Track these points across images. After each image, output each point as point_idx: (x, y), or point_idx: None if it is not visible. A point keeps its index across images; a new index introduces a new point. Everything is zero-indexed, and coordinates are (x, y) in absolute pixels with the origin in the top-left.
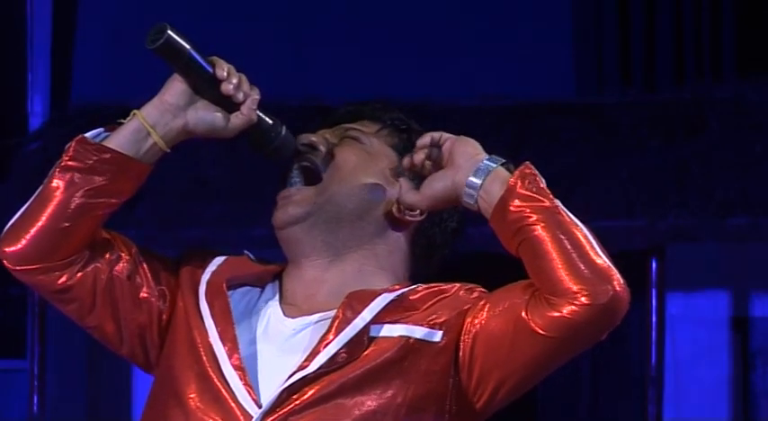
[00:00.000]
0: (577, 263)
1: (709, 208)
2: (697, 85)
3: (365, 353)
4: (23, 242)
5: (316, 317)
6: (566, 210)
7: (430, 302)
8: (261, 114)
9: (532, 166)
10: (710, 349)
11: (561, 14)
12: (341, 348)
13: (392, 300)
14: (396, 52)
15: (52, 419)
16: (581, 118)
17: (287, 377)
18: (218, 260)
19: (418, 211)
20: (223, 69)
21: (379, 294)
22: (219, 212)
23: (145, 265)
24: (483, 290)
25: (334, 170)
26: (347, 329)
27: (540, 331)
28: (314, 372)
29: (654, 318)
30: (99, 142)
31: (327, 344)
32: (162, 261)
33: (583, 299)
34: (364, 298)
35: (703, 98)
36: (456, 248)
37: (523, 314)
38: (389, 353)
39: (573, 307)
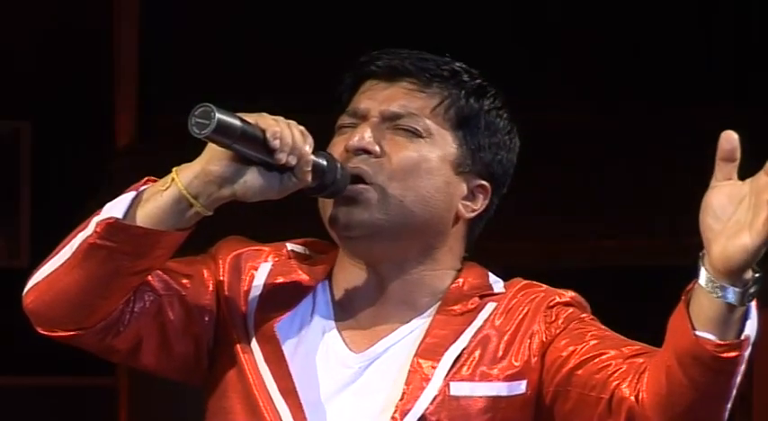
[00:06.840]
0: None
1: None
2: None
3: (450, 412)
4: (52, 309)
5: (380, 347)
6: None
7: (503, 348)
8: (316, 163)
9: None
10: None
11: None
12: (425, 409)
13: (462, 352)
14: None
15: None
16: None
17: None
18: (261, 277)
19: (480, 204)
20: (275, 136)
21: (450, 346)
22: None
23: (188, 300)
24: (558, 317)
25: (396, 180)
26: (428, 388)
27: None
28: None
29: None
30: (130, 221)
31: (412, 407)
32: (200, 282)
33: None
34: (435, 352)
35: None
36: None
37: (628, 405)
38: (475, 413)
39: None
